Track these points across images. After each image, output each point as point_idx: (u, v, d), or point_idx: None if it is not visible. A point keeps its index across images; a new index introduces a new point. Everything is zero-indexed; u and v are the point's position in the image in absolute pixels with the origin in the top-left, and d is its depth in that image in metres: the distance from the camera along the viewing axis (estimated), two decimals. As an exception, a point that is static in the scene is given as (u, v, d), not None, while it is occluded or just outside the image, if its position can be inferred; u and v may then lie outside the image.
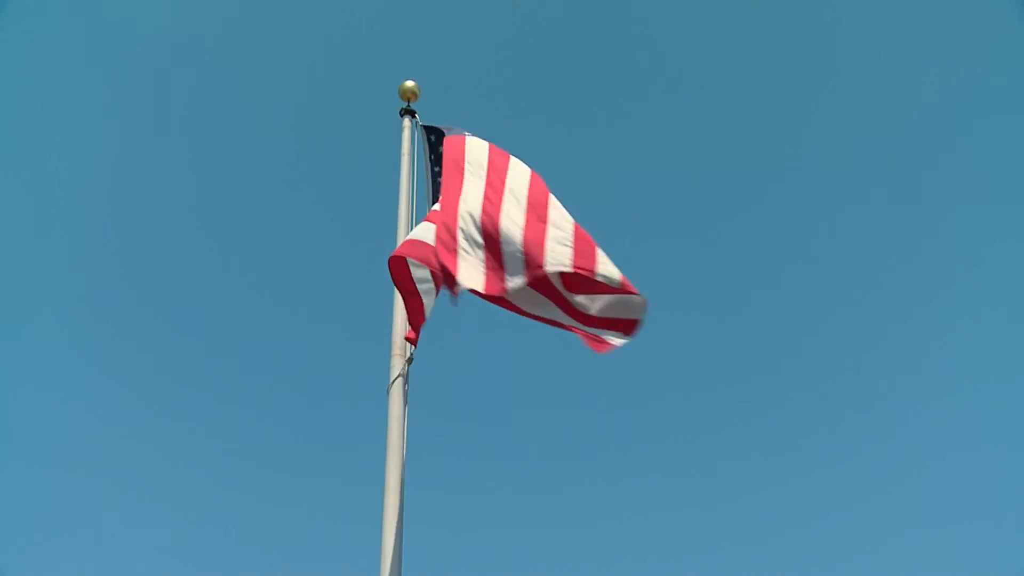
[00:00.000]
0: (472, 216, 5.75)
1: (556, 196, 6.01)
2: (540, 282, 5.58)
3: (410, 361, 5.81)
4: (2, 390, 15.51)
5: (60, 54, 17.87)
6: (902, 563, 15.02)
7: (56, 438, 15.81)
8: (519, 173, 6.20)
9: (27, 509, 14.57)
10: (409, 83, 7.56)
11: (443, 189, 6.07)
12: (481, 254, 5.60)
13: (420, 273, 5.39)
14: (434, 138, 7.25)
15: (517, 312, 5.68)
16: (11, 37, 16.33)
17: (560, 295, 5.68)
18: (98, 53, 18.31)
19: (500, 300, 5.56)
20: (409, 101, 7.50)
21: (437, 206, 5.92)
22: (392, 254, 5.41)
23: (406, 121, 7.37)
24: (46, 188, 17.56)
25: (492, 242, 5.62)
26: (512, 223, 5.68)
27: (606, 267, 5.42)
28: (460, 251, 5.55)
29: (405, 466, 5.46)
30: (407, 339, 5.57)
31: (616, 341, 5.47)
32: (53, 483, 15.21)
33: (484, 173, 6.19)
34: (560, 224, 5.71)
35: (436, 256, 5.42)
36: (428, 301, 5.38)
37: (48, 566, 14.02)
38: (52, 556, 14.33)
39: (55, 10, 17.35)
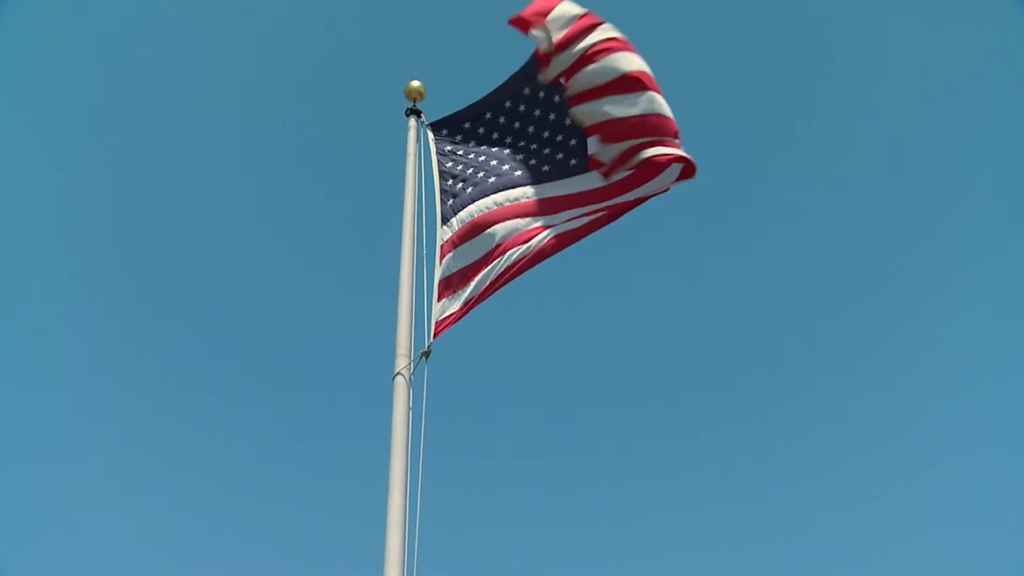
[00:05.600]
0: None
1: None
2: None
3: (427, 354, 5.81)
4: (2, 389, 15.49)
5: (60, 54, 17.88)
6: (902, 563, 15.04)
7: (57, 438, 15.80)
8: None
9: (28, 509, 14.56)
10: (415, 83, 7.55)
11: None
12: None
13: None
14: (445, 132, 7.33)
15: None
16: (11, 37, 16.34)
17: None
18: (99, 53, 18.32)
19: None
20: (415, 101, 7.49)
21: None
22: None
23: (412, 121, 7.35)
24: (47, 187, 17.57)
25: None
26: None
27: None
28: None
29: (410, 464, 5.43)
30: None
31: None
32: (54, 483, 15.20)
33: None
34: None
35: None
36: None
37: (49, 566, 14.00)
38: (53, 556, 14.31)
39: (55, 10, 17.36)
